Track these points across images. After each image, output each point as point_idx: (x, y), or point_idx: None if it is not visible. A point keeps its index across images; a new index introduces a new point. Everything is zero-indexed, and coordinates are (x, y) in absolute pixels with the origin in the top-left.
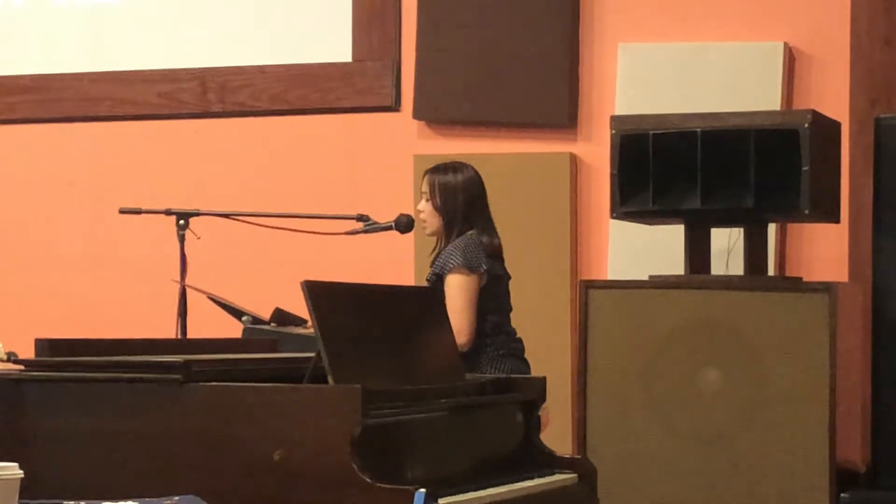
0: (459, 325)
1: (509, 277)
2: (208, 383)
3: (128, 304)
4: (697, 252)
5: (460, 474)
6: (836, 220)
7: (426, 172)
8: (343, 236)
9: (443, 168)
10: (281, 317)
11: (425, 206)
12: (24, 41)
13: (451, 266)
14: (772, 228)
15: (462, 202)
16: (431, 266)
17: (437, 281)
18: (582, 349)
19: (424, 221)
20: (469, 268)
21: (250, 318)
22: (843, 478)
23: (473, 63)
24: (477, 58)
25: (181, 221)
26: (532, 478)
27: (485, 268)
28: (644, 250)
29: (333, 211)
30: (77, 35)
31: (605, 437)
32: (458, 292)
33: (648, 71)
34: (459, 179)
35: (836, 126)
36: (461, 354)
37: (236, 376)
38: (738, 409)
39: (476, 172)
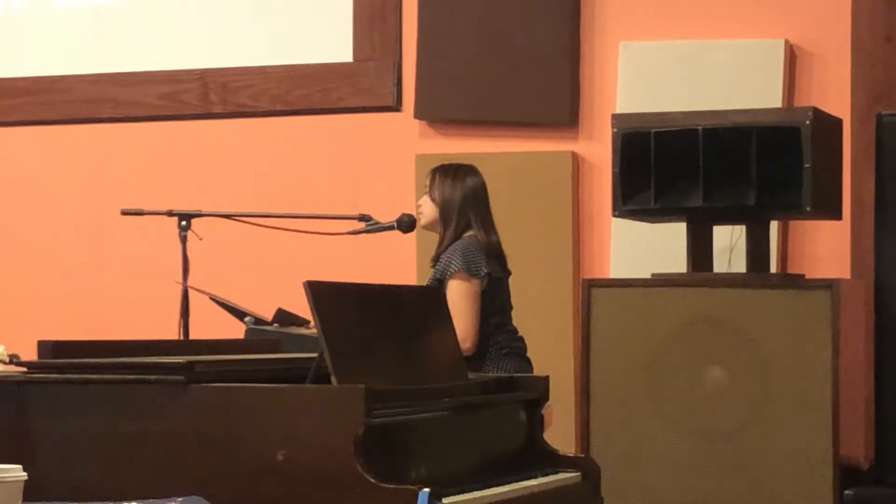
0: (464, 330)
1: (510, 274)
2: (211, 384)
3: (130, 306)
4: (699, 250)
5: (464, 474)
6: (838, 217)
7: (432, 170)
8: (345, 236)
9: (447, 169)
10: (283, 317)
11: (425, 201)
12: (25, 43)
13: (452, 271)
14: (774, 226)
15: (458, 207)
16: (432, 266)
17: (439, 286)
18: (585, 348)
19: (421, 214)
20: (470, 272)
21: (253, 319)
22: (846, 474)
23: (475, 62)
24: (478, 57)
25: (183, 222)
26: (535, 477)
27: (486, 271)
28: (646, 248)
29: (335, 211)
30: (78, 37)
31: (609, 435)
32: (460, 297)
33: (650, 69)
34: (458, 184)
35: (837, 123)
36: (465, 357)
37: (239, 377)
38: (742, 406)
39: (480, 179)
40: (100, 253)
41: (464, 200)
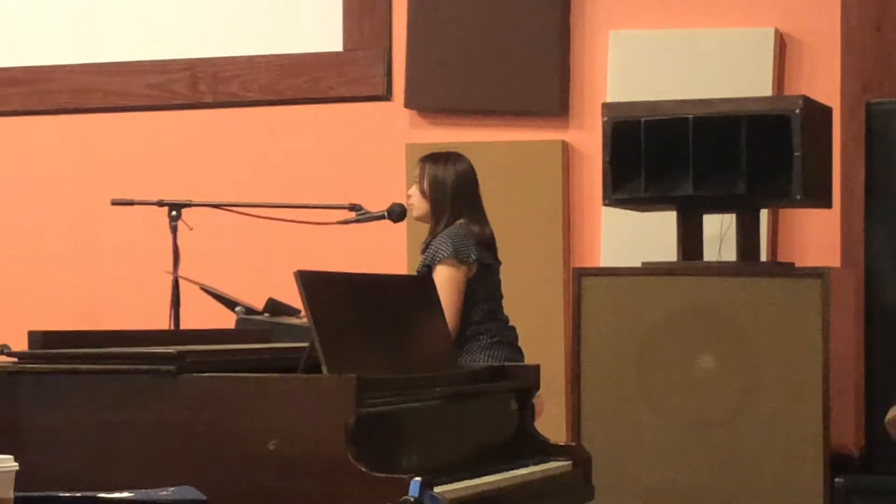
0: (446, 317)
1: (500, 264)
2: (202, 374)
3: (121, 296)
4: (690, 238)
5: (455, 463)
6: (828, 206)
7: (420, 159)
8: (336, 226)
9: (436, 157)
10: (274, 307)
11: (414, 192)
12: (14, 33)
13: (441, 257)
14: (764, 214)
15: (450, 194)
16: (422, 253)
17: (428, 272)
18: (575, 337)
19: (412, 206)
20: (459, 259)
21: (243, 309)
22: (837, 462)
23: (465, 51)
24: (468, 46)
25: (173, 212)
26: (527, 465)
27: (474, 258)
28: (636, 237)
29: (326, 200)
30: (67, 27)
31: (600, 424)
32: (446, 284)
33: (640, 58)
34: (450, 171)
35: (827, 111)
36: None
37: (230, 367)
38: (732, 394)
39: (469, 165)
40: (90, 243)
41: (455, 193)
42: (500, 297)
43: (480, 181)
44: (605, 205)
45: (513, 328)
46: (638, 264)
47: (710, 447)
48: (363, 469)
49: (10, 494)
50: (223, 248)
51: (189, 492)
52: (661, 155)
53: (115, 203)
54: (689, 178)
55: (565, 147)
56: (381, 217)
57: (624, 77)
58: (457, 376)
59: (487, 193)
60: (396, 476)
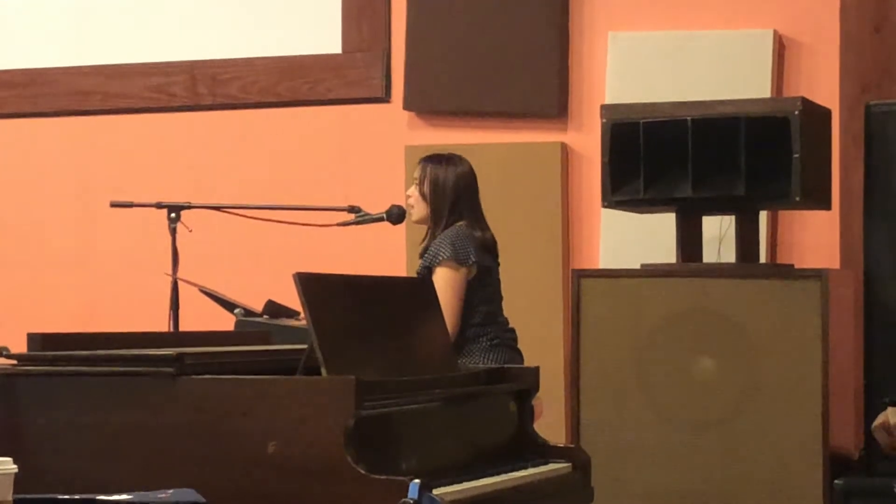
0: (446, 318)
1: (499, 266)
2: (201, 376)
3: (120, 298)
4: (689, 240)
5: (454, 465)
6: (828, 207)
7: (420, 160)
8: (335, 228)
9: (436, 158)
10: (273, 309)
11: (414, 193)
12: (13, 35)
13: (441, 259)
14: (763, 216)
15: (450, 196)
16: (421, 257)
17: (428, 274)
18: (574, 338)
19: (412, 207)
20: (458, 260)
21: (242, 311)
22: (836, 464)
23: (464, 53)
24: (467, 48)
25: (172, 214)
26: (526, 467)
27: (474, 259)
28: (636, 239)
29: (325, 203)
30: (66, 29)
31: (599, 426)
32: (445, 286)
33: (639, 59)
34: (450, 173)
35: (826, 113)
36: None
37: (230, 369)
38: (731, 396)
39: (469, 167)
40: (89, 245)
41: (455, 195)
42: (500, 299)
43: (479, 183)
44: (604, 206)
45: (512, 330)
46: (637, 266)
47: (709, 449)
48: (362, 471)
49: (10, 497)
50: (222, 250)
51: (188, 494)
52: (660, 156)
53: (114, 205)
54: (688, 180)
55: (564, 149)
56: (380, 219)
57: (623, 79)
58: (456, 378)
59: (486, 195)
60: (395, 478)
